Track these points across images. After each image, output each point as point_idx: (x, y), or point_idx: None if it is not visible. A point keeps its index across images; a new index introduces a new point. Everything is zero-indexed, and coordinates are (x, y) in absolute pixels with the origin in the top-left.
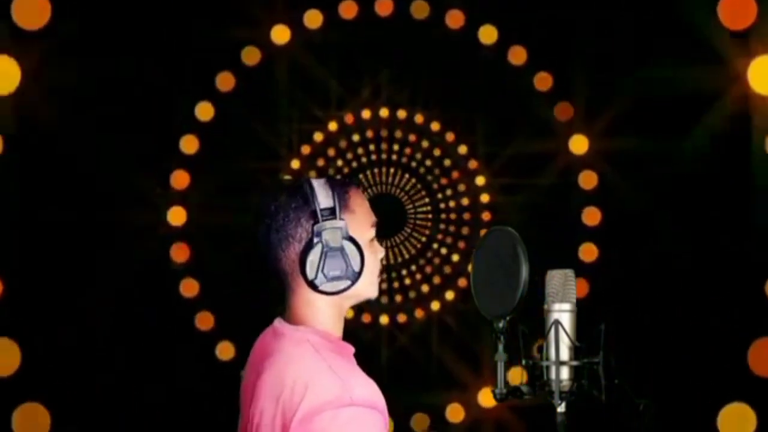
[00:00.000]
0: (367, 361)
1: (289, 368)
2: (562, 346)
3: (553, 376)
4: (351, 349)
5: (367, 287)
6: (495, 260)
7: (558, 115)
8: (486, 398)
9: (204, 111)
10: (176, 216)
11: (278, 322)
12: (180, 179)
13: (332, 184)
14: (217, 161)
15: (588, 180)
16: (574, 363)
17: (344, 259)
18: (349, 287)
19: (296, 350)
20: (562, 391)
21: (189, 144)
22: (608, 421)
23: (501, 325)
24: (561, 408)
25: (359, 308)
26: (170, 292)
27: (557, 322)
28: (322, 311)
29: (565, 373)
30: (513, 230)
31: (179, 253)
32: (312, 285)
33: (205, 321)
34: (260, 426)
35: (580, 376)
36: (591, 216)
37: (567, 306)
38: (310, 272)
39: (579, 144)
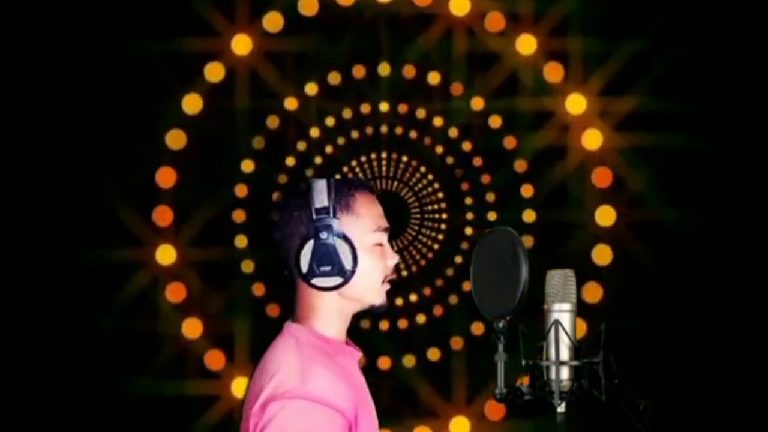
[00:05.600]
0: None
1: (270, 359)
2: (562, 346)
3: (553, 376)
4: (353, 353)
5: (368, 292)
6: (495, 260)
7: None
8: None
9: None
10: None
11: (286, 322)
12: None
13: (336, 184)
14: None
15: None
16: (574, 363)
17: (336, 256)
18: (341, 284)
19: (282, 343)
20: (562, 391)
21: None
22: (608, 420)
23: (501, 325)
24: (561, 408)
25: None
26: None
27: (557, 322)
28: (322, 313)
29: (565, 373)
30: (513, 230)
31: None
32: (304, 278)
33: None
34: (242, 411)
35: (580, 376)
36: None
37: (567, 306)
38: (303, 266)
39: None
